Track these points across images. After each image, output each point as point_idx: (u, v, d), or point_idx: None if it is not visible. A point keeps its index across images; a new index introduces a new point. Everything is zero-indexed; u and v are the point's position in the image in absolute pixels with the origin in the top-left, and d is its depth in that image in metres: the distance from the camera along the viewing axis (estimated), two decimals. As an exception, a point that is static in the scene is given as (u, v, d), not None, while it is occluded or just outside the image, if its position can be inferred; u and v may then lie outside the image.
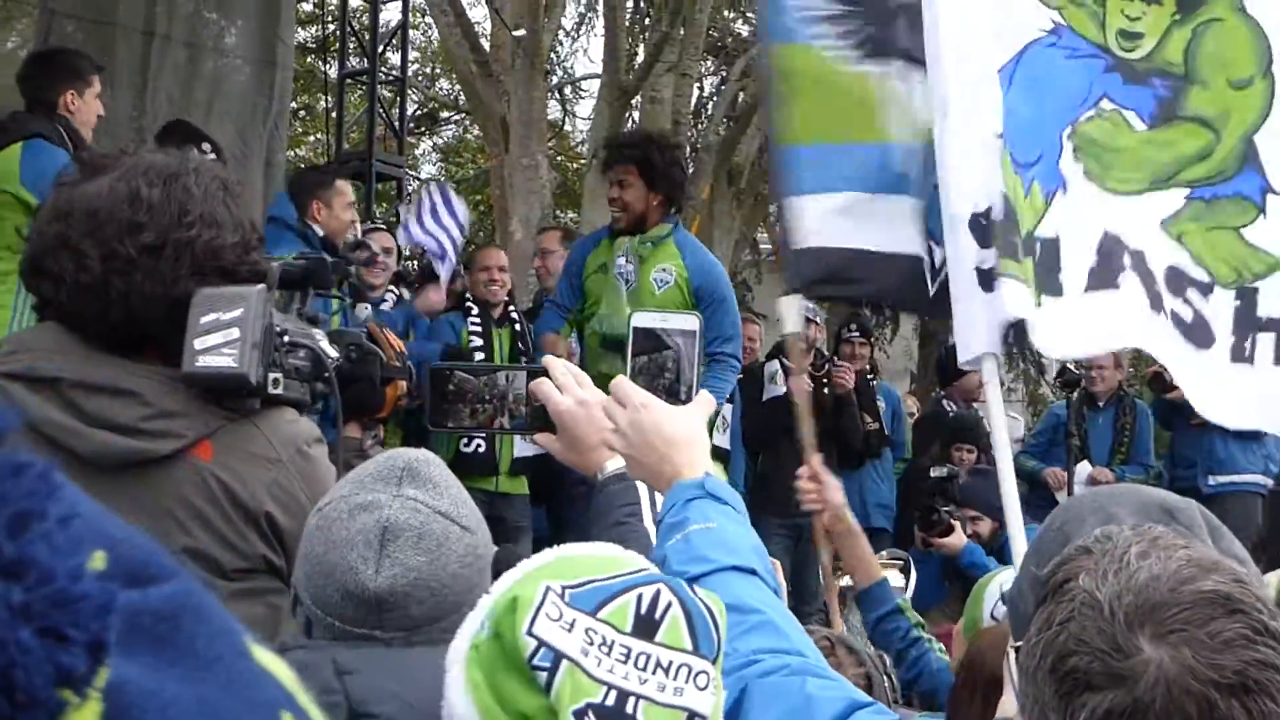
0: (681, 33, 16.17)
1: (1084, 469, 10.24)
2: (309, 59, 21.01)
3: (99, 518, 0.77)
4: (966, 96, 4.36)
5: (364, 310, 7.85)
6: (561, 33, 22.44)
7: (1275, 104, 4.61)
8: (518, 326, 8.91)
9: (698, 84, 19.66)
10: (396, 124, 14.44)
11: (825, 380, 9.81)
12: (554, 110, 23.27)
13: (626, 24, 17.92)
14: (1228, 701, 1.51)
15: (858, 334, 10.76)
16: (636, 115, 17.91)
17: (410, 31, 16.13)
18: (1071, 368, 10.19)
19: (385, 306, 8.82)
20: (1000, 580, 4.51)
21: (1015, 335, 4.26)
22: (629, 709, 1.68)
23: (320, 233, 7.69)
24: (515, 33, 15.66)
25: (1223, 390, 4.56)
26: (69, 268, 2.65)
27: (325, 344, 2.91)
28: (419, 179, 27.75)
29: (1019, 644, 1.83)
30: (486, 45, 16.35)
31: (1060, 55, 4.53)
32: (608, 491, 2.63)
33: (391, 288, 9.22)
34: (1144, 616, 1.55)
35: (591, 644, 1.71)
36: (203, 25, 11.38)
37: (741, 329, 8.33)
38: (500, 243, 14.23)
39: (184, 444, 2.66)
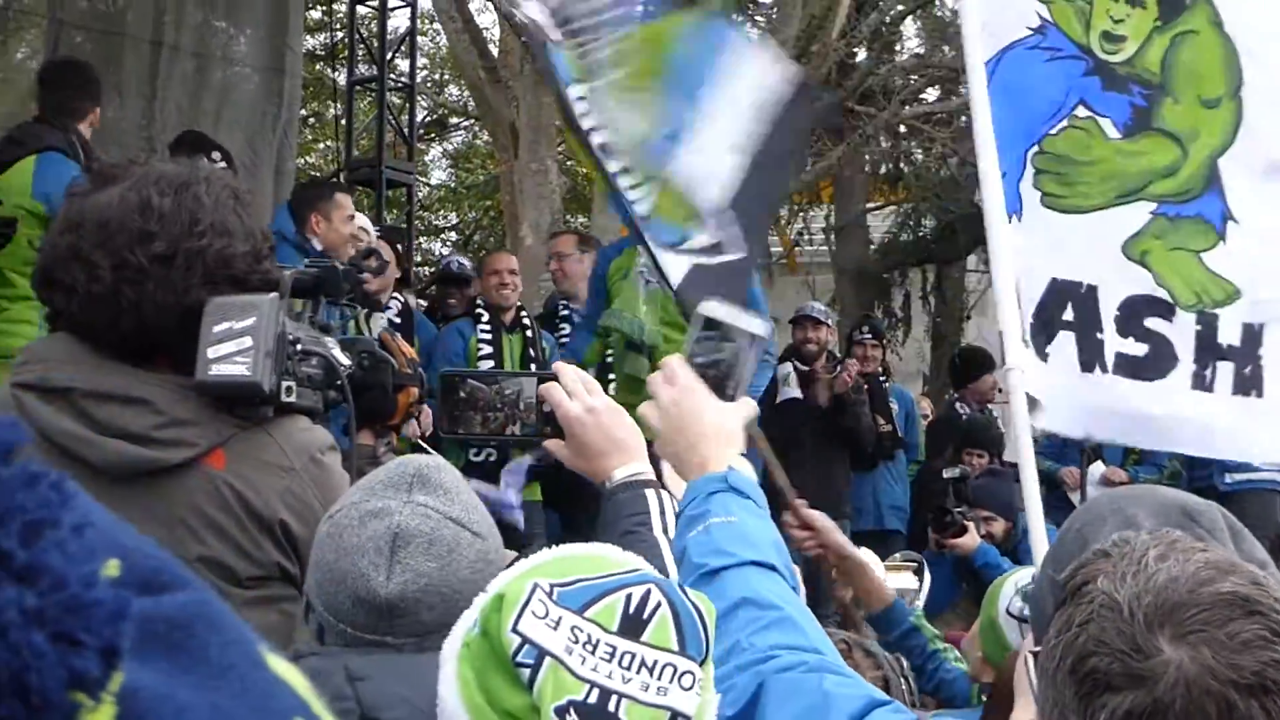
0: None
1: (1097, 469, 10.22)
2: (318, 66, 21.07)
3: (112, 527, 0.78)
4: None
5: (380, 320, 7.86)
6: (570, 38, 22.42)
7: (1241, 129, 4.58)
8: (529, 333, 8.87)
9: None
10: (406, 130, 14.43)
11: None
12: (563, 115, 23.23)
13: None
14: (1247, 702, 1.51)
15: (870, 335, 10.77)
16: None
17: (419, 38, 16.12)
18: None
19: (390, 314, 8.80)
20: (1015, 579, 4.51)
21: None
22: (611, 707, 1.68)
23: (319, 247, 7.67)
24: (523, 38, 15.64)
25: (1179, 417, 4.53)
26: (80, 278, 2.65)
27: (337, 352, 2.92)
28: (429, 185, 27.85)
29: (1036, 649, 1.82)
30: (495, 51, 16.34)
31: (1041, 59, 4.51)
32: (616, 500, 2.63)
33: (396, 295, 9.19)
34: (1163, 617, 1.55)
35: (576, 642, 1.71)
36: (211, 34, 11.40)
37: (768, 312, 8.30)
38: (511, 248, 14.22)
39: (197, 452, 2.66)
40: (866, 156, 19.70)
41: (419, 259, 23.54)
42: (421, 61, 22.52)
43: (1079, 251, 4.48)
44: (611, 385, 8.07)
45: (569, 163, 23.47)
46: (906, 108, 17.91)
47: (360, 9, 14.23)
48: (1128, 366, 4.46)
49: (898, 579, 5.66)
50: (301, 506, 2.71)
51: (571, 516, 8.57)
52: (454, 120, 28.47)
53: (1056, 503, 10.17)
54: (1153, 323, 4.48)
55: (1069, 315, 4.42)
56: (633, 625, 1.73)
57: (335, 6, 17.21)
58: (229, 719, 0.77)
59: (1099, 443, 10.11)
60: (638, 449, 2.72)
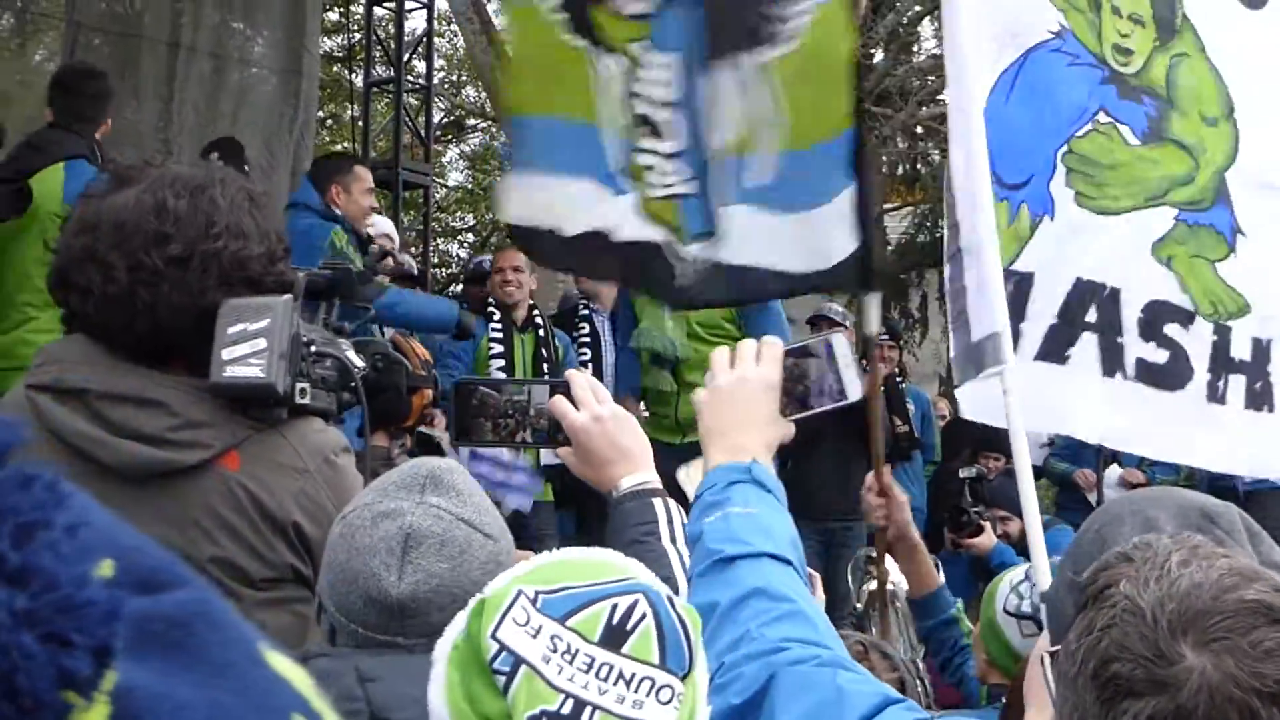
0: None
1: (1114, 472, 10.19)
2: (335, 68, 21.08)
3: (110, 528, 0.79)
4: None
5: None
6: (586, 39, 22.43)
7: (1240, 148, 4.58)
8: (541, 332, 8.81)
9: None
10: (422, 132, 14.46)
11: None
12: (580, 117, 23.24)
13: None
14: (1269, 710, 1.51)
15: (886, 337, 10.75)
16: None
17: (436, 39, 16.14)
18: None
19: None
20: (1010, 578, 4.51)
21: None
22: (585, 718, 1.67)
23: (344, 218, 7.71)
24: None
25: (1194, 431, 4.51)
26: (96, 279, 2.66)
27: (351, 354, 2.92)
28: (446, 186, 27.86)
29: (1053, 649, 1.82)
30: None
31: (1064, 61, 4.49)
32: (623, 509, 2.63)
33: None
34: (1187, 624, 1.55)
35: (555, 651, 1.69)
36: (228, 36, 11.42)
37: (790, 332, 8.27)
38: (527, 250, 14.21)
39: (211, 454, 2.67)
40: (883, 157, 19.67)
41: (436, 260, 23.57)
42: (439, 63, 22.55)
43: (1106, 253, 4.46)
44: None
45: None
46: (924, 109, 17.87)
47: (377, 10, 14.26)
48: (1149, 374, 4.44)
49: (912, 580, 5.65)
50: (315, 508, 2.71)
51: (585, 517, 8.56)
52: (471, 122, 28.48)
53: (1072, 504, 10.16)
54: (1172, 329, 4.47)
55: (1092, 316, 4.41)
56: (614, 636, 1.71)
57: (353, 8, 17.24)
58: (227, 716, 0.78)
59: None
60: (644, 458, 2.72)
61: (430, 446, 5.30)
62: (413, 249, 12.79)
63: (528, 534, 7.96)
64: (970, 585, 7.72)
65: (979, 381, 4.16)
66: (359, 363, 2.93)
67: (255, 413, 2.71)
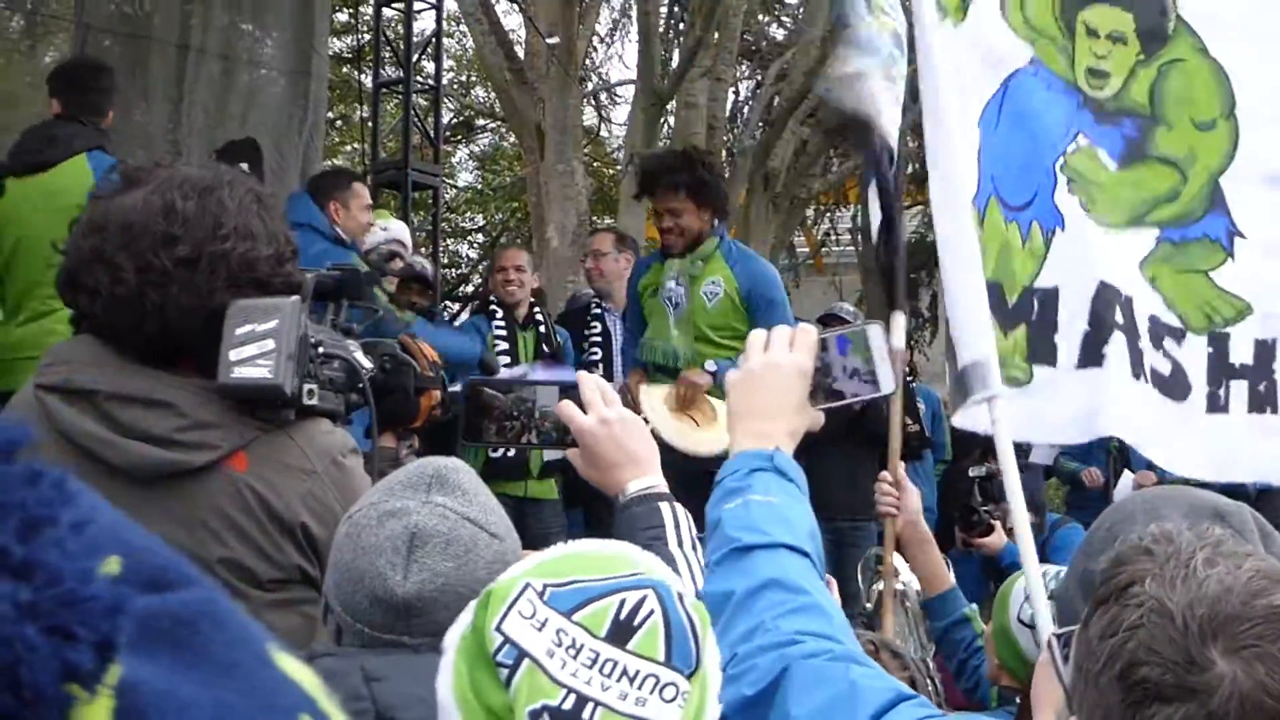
0: (715, 37, 16.16)
1: (1128, 479, 10.17)
2: (344, 69, 21.11)
3: (118, 526, 0.80)
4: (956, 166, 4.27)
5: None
6: (596, 39, 22.47)
7: (1239, 146, 4.55)
8: (542, 329, 8.84)
9: (732, 88, 19.65)
10: (432, 133, 14.45)
11: None
12: (589, 117, 23.32)
13: (660, 29, 17.92)
14: None
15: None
16: (671, 120, 17.91)
17: (445, 40, 16.18)
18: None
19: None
20: (1023, 584, 4.49)
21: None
22: (586, 714, 1.66)
23: (348, 237, 7.72)
24: (549, 40, 15.68)
25: (1198, 443, 4.50)
26: (104, 280, 2.66)
27: (359, 355, 2.92)
28: (456, 187, 27.90)
29: (1061, 631, 1.82)
30: (521, 53, 16.36)
31: (1042, 85, 4.49)
32: (630, 513, 2.61)
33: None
34: (1217, 629, 1.55)
35: (559, 645, 1.69)
36: (237, 38, 11.41)
37: None
38: (537, 249, 14.25)
39: (219, 455, 2.67)
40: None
41: (445, 261, 23.61)
42: (448, 64, 22.62)
43: (1116, 260, 4.46)
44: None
45: (595, 164, 23.53)
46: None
47: (386, 12, 14.24)
48: (1160, 382, 4.44)
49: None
50: (322, 509, 2.72)
51: (593, 514, 8.55)
52: (480, 122, 28.53)
53: (1083, 503, 10.15)
54: (1169, 345, 4.46)
55: (1118, 318, 4.40)
56: (621, 632, 1.70)
57: (361, 9, 17.24)
58: (233, 715, 0.78)
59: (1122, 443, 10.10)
60: (651, 461, 2.70)
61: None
62: (422, 249, 12.78)
63: (532, 533, 7.97)
64: (982, 584, 7.73)
65: (971, 407, 4.16)
66: (367, 364, 2.93)
67: (263, 414, 2.72)
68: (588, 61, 21.36)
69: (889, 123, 4.44)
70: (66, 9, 11.20)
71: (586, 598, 1.73)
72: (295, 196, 8.23)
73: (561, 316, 9.87)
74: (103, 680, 0.73)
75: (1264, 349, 4.50)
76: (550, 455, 8.20)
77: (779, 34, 21.80)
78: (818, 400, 2.57)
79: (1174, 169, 4.52)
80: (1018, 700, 4.21)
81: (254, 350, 2.62)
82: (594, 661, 1.69)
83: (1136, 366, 4.42)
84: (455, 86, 26.36)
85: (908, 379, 10.80)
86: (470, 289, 24.53)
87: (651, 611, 1.73)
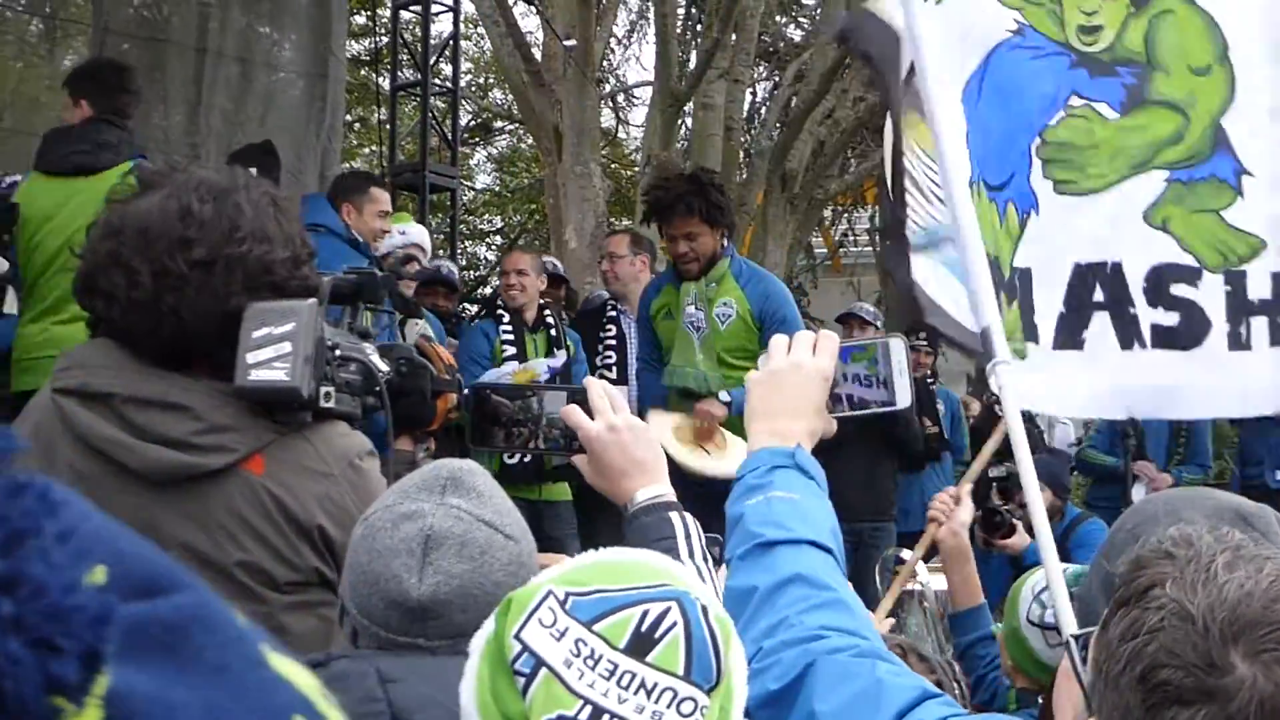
0: (733, 39, 16.15)
1: (1140, 491, 10.14)
2: (362, 72, 21.15)
3: (106, 534, 0.80)
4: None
5: (417, 326, 7.86)
6: (613, 41, 22.48)
7: (1237, 89, 4.55)
8: (553, 332, 8.80)
9: (750, 90, 19.64)
10: (450, 135, 14.46)
11: None
12: (607, 118, 23.30)
13: (678, 31, 17.91)
14: None
15: (925, 343, 10.73)
16: (689, 122, 17.91)
17: (462, 42, 16.19)
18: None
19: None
20: (1031, 585, 4.48)
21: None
22: None
23: (360, 239, 7.73)
24: (566, 42, 15.67)
25: (1222, 382, 4.49)
26: (121, 284, 2.66)
27: (376, 358, 2.92)
28: (474, 189, 27.93)
29: (1080, 633, 1.81)
30: (538, 55, 16.36)
31: (1026, 56, 4.48)
32: (640, 523, 2.59)
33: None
34: (1237, 633, 1.55)
35: (577, 655, 1.68)
36: (255, 40, 11.44)
37: None
38: (555, 251, 14.24)
39: (236, 458, 2.67)
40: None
41: (464, 263, 23.63)
42: (465, 66, 22.64)
43: (1100, 231, 4.45)
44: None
45: (612, 166, 23.53)
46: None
47: (404, 14, 14.27)
48: (1164, 337, 4.43)
49: (940, 580, 5.63)
50: (339, 512, 2.72)
51: (590, 515, 8.48)
52: (498, 124, 28.56)
53: (1104, 500, 10.11)
54: (1179, 289, 4.45)
55: (1099, 296, 4.40)
56: (641, 644, 1.69)
57: (379, 12, 17.28)
58: (224, 717, 0.79)
59: (1140, 433, 10.06)
60: (659, 470, 2.68)
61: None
62: (440, 251, 12.78)
63: (547, 536, 7.96)
64: (1005, 585, 7.71)
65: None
66: (383, 367, 2.93)
67: (280, 416, 2.72)
68: (605, 63, 21.38)
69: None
70: (85, 13, 11.24)
71: (609, 608, 1.72)
72: (313, 198, 8.24)
73: (576, 318, 9.85)
74: (90, 691, 0.73)
75: None
76: (560, 460, 8.20)
77: (796, 35, 21.80)
78: (833, 408, 2.58)
79: (1176, 111, 4.52)
80: (1039, 700, 4.21)
81: (271, 353, 2.62)
82: (612, 673, 1.68)
83: (1129, 337, 4.42)
84: (473, 89, 26.40)
85: (928, 381, 10.78)
86: (489, 291, 24.54)
87: (674, 624, 1.71)
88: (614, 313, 9.51)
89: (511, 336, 8.71)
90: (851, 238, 24.26)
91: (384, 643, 2.27)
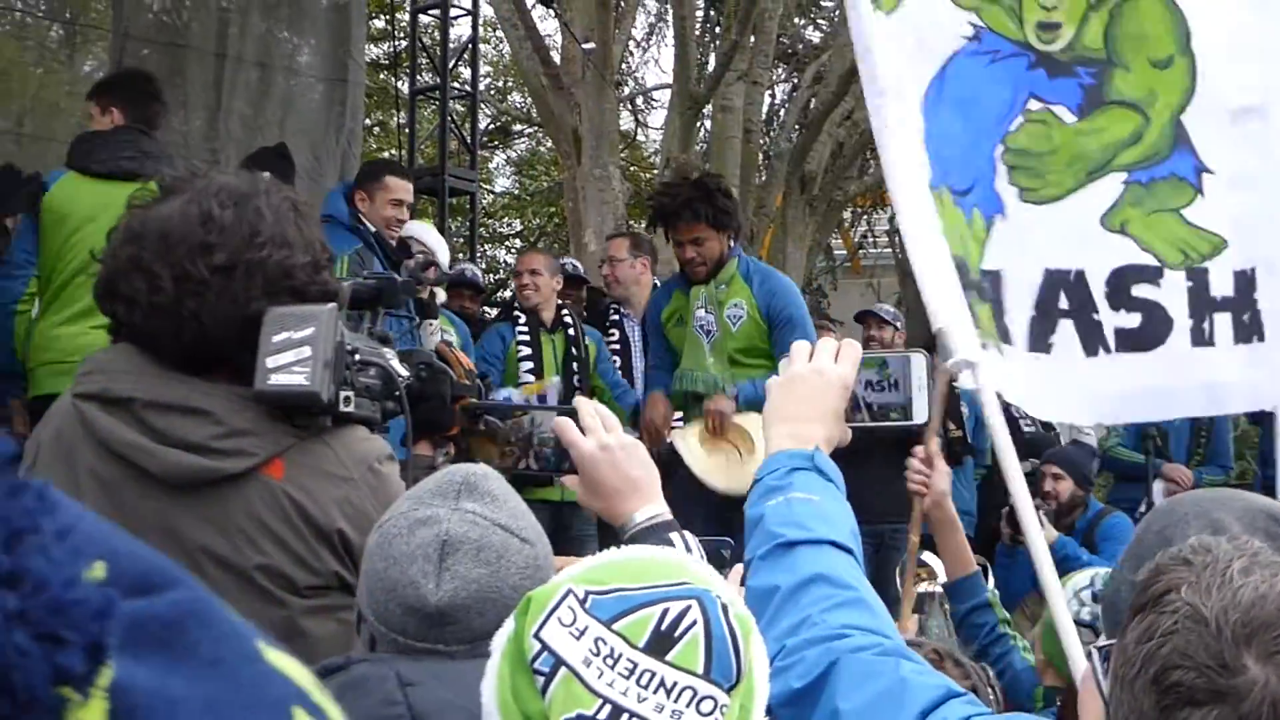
0: (751, 41, 16.13)
1: (1159, 489, 10.11)
2: (381, 76, 21.17)
3: (102, 532, 0.82)
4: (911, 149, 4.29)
5: (432, 327, 7.86)
6: (631, 43, 22.47)
7: (1197, 82, 4.54)
8: (571, 332, 8.80)
9: (769, 91, 19.62)
10: (468, 138, 14.47)
11: None
12: (625, 121, 23.29)
13: (696, 33, 17.89)
14: None
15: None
16: (708, 124, 17.90)
17: (481, 46, 16.18)
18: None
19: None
20: (1074, 583, 4.47)
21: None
22: None
23: (371, 227, 7.74)
24: (585, 45, 15.67)
25: (1185, 381, 4.48)
26: (142, 289, 2.67)
27: (396, 363, 2.92)
28: (493, 192, 27.95)
29: (1103, 644, 1.81)
30: (557, 58, 16.36)
31: (983, 62, 4.46)
32: (640, 544, 2.59)
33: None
34: (1250, 635, 1.55)
35: (596, 654, 1.68)
36: (275, 45, 11.46)
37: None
38: (575, 254, 14.24)
39: (256, 462, 2.68)
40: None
41: (483, 266, 23.64)
42: (484, 69, 22.60)
43: (1062, 239, 4.45)
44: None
45: (631, 169, 23.52)
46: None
47: (422, 18, 14.29)
48: (1129, 340, 4.42)
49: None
50: (359, 516, 2.72)
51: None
52: (517, 127, 28.57)
53: (1123, 500, 10.07)
54: (1140, 290, 4.44)
55: (1064, 304, 4.40)
56: (660, 643, 1.69)
57: (398, 16, 17.32)
58: (223, 710, 0.81)
59: (1163, 433, 10.03)
60: (654, 489, 2.65)
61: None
62: (460, 255, 12.80)
63: (568, 535, 7.96)
64: (1031, 580, 7.71)
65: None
66: (403, 372, 2.93)
67: (300, 421, 2.72)
68: (624, 66, 21.38)
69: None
70: (105, 18, 11.27)
71: (628, 606, 1.72)
72: (332, 191, 8.28)
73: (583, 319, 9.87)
74: (95, 683, 0.75)
75: (1243, 279, 4.48)
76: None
77: (815, 37, 21.75)
78: (850, 418, 2.58)
79: (1135, 111, 4.51)
80: (1059, 700, 4.20)
81: (291, 357, 2.62)
82: (631, 672, 1.68)
83: (1093, 344, 4.40)
84: (491, 92, 26.40)
85: (952, 383, 10.74)
86: (509, 294, 24.58)
87: (694, 623, 1.71)
88: (617, 316, 9.50)
89: (527, 337, 8.70)
90: (871, 239, 24.20)
91: (402, 648, 2.26)
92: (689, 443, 7.40)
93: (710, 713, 1.67)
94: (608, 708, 1.66)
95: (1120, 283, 4.42)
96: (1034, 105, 4.47)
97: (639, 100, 25.54)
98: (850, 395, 2.59)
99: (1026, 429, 9.95)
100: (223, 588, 2.64)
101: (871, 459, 8.85)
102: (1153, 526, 2.17)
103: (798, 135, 17.78)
